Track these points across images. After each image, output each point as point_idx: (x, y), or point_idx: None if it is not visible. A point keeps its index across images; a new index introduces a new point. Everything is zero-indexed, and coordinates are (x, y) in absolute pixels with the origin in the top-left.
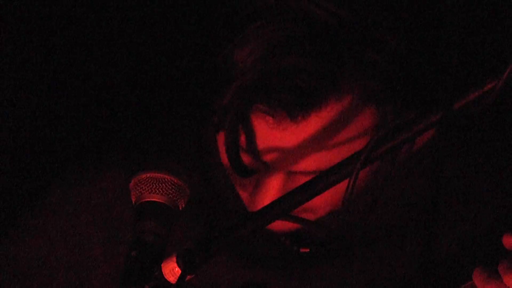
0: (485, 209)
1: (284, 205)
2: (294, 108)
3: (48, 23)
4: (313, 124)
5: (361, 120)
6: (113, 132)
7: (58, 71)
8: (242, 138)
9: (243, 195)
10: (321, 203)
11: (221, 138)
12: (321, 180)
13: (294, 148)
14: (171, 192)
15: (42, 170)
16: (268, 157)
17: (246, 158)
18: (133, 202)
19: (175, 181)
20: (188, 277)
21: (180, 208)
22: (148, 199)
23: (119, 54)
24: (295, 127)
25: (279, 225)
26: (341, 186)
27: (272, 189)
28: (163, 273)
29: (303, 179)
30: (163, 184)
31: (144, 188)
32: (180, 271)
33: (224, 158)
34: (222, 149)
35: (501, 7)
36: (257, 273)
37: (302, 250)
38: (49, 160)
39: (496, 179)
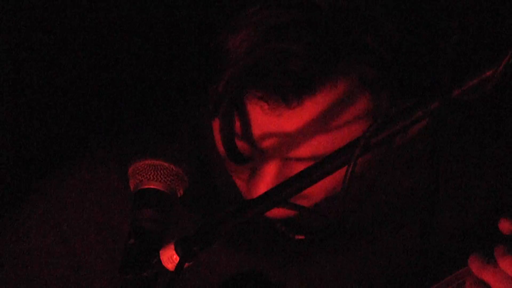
0: (481, 196)
1: (282, 193)
2: (288, 93)
3: (44, 18)
4: (308, 109)
5: (357, 105)
6: (111, 121)
7: (53, 65)
8: (237, 126)
9: (239, 183)
10: (316, 190)
11: (216, 126)
12: (320, 167)
13: (290, 134)
14: (169, 179)
15: (39, 161)
16: (263, 144)
17: (241, 146)
18: (132, 189)
19: (173, 168)
20: (186, 264)
21: (178, 196)
22: (146, 186)
23: (114, 45)
24: (290, 112)
25: (276, 212)
26: (336, 173)
27: (267, 176)
28: (162, 261)
29: (298, 166)
30: (161, 171)
31: (142, 175)
32: (178, 259)
33: (219, 146)
34: (217, 137)
35: None
36: (253, 260)
37: (297, 237)
38: (46, 151)
39: (492, 166)
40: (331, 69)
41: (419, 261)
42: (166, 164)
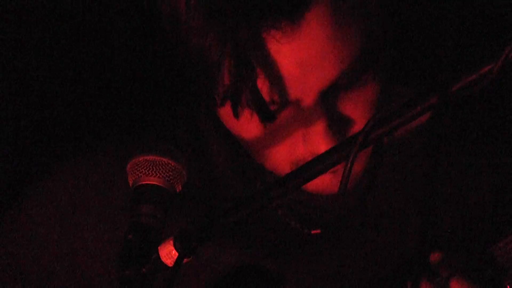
0: (480, 190)
1: (282, 189)
2: (288, 7)
3: (43, 17)
4: (313, 20)
5: (353, 7)
6: (110, 117)
7: (53, 64)
8: (264, 90)
9: (297, 151)
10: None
11: (225, 112)
12: (318, 163)
13: (311, 61)
14: (168, 174)
15: (39, 156)
16: (295, 91)
17: (274, 106)
18: (130, 185)
19: (172, 163)
20: (185, 260)
21: (177, 191)
22: (145, 182)
23: (113, 44)
24: (299, 32)
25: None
26: None
27: (322, 129)
28: (161, 256)
29: (342, 104)
30: (160, 167)
31: (141, 171)
32: (177, 254)
33: (252, 140)
34: (246, 132)
35: None
36: (257, 255)
37: (313, 231)
38: (44, 147)
39: (491, 161)
40: None
41: (422, 254)
42: (164, 160)
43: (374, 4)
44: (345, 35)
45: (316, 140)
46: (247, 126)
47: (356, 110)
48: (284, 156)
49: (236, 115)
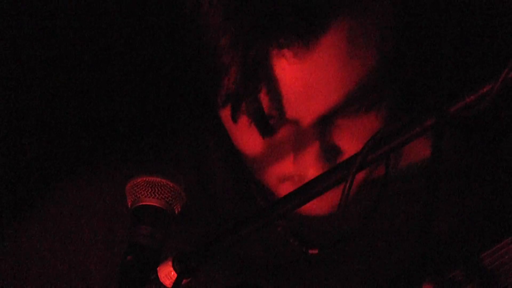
0: (480, 196)
1: (281, 209)
2: (304, 30)
3: (50, 25)
4: (326, 47)
5: (370, 37)
6: (111, 136)
7: (57, 75)
8: (265, 103)
9: (286, 167)
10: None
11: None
12: (317, 184)
13: (317, 86)
14: (167, 196)
15: (41, 173)
16: (295, 110)
17: (274, 122)
18: (129, 205)
19: (171, 185)
20: (184, 281)
21: (176, 212)
22: (144, 203)
23: (116, 56)
24: (311, 56)
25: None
26: None
27: (313, 152)
28: (159, 277)
29: (338, 131)
30: (159, 188)
31: (140, 192)
32: (176, 275)
33: (245, 145)
34: (239, 136)
35: (498, 9)
36: (254, 274)
37: (311, 251)
38: (48, 163)
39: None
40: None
41: (421, 264)
42: (163, 181)
43: (390, 34)
44: (356, 65)
45: (306, 163)
46: (245, 133)
47: (352, 140)
48: (273, 170)
49: (235, 119)
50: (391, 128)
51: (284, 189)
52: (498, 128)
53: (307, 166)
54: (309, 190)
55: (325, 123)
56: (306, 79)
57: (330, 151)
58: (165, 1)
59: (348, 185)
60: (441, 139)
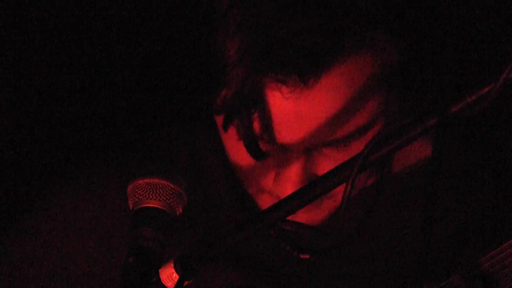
0: (480, 199)
1: (282, 211)
2: (305, 70)
3: (50, 24)
4: (324, 87)
5: (371, 79)
6: (112, 137)
7: (56, 76)
8: (256, 123)
9: (259, 194)
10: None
11: (228, 134)
12: (318, 185)
13: (309, 120)
14: (168, 198)
15: (40, 175)
16: (284, 136)
17: (262, 145)
18: (131, 207)
19: (172, 186)
20: (186, 282)
21: (178, 214)
22: (146, 205)
23: (117, 58)
24: (308, 93)
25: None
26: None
27: (293, 173)
28: (161, 279)
29: (322, 159)
30: (160, 190)
31: (141, 194)
32: (178, 277)
33: (233, 152)
34: (229, 143)
35: (499, 10)
36: (253, 278)
37: (302, 256)
38: (47, 165)
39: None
40: (343, 42)
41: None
42: (164, 183)
43: (394, 69)
44: (353, 104)
45: (285, 183)
46: (234, 142)
47: None
48: (254, 180)
49: (226, 128)
50: (392, 129)
51: (263, 200)
52: (498, 128)
53: (286, 187)
54: (310, 191)
55: (312, 150)
56: (299, 112)
57: (310, 177)
58: (165, 1)
59: (349, 186)
60: (443, 139)
